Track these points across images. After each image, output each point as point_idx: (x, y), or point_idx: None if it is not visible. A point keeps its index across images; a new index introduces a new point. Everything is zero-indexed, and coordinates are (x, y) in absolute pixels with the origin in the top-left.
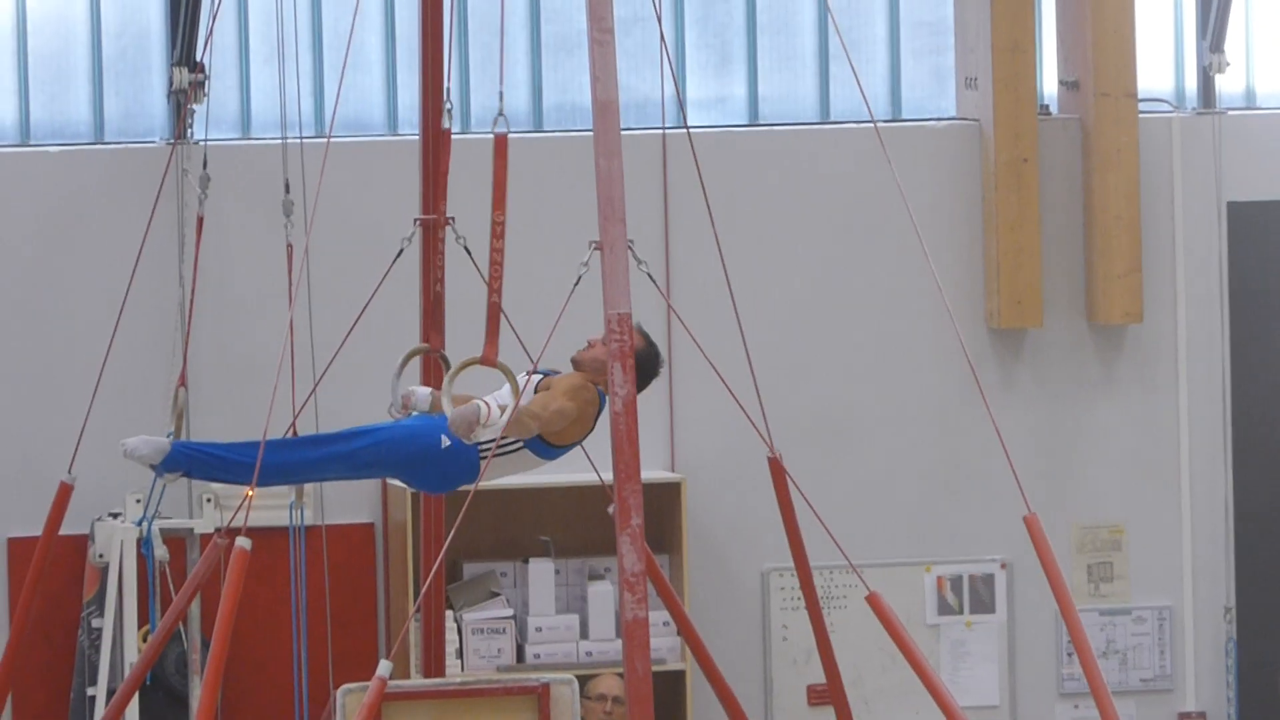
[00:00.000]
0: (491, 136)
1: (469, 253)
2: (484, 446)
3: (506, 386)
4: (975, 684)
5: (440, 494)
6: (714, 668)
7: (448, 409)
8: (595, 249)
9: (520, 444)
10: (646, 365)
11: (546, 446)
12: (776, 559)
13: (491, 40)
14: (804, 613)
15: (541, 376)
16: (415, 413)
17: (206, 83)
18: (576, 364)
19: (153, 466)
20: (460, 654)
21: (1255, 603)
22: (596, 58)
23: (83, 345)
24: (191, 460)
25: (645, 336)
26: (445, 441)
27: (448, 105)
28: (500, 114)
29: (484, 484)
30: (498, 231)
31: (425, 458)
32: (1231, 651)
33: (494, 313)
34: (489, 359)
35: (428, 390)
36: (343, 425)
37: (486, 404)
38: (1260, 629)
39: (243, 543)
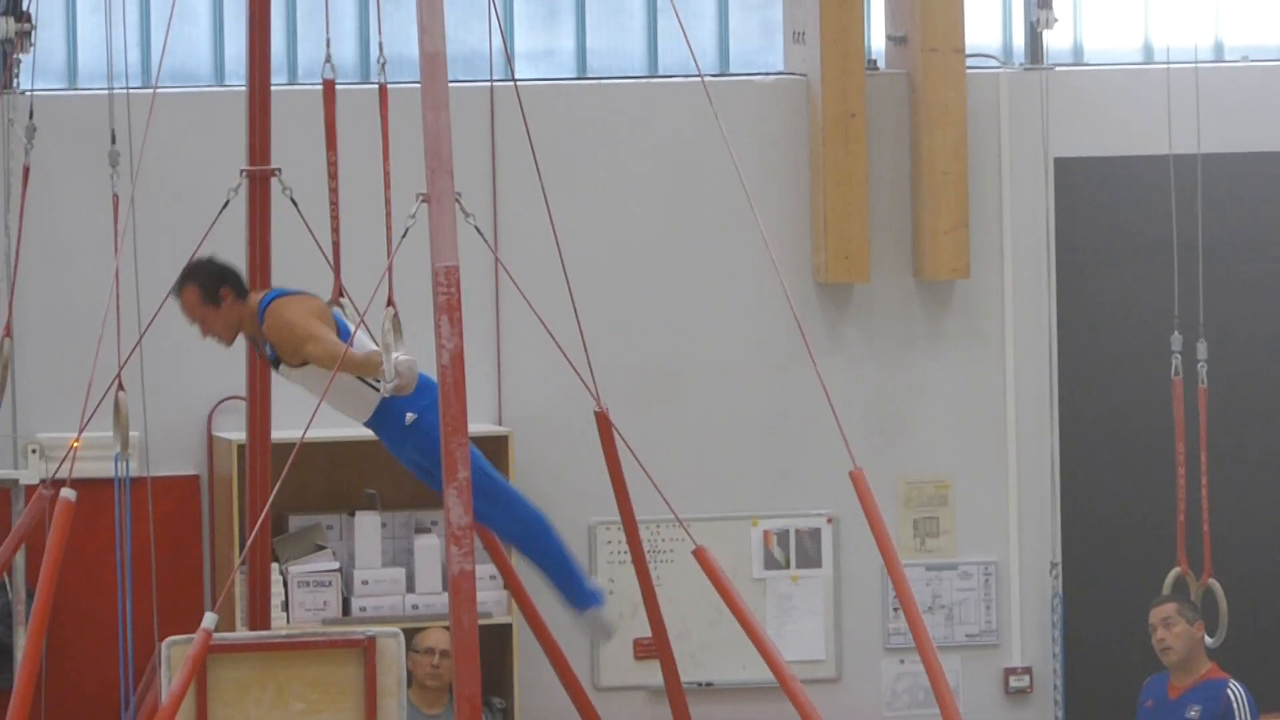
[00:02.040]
0: (318, 87)
1: (295, 204)
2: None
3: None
4: (801, 638)
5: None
6: (540, 621)
7: (390, 371)
8: (422, 201)
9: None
10: (205, 276)
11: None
12: (603, 512)
13: None
14: (631, 566)
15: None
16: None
17: (33, 32)
18: (226, 341)
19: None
20: (286, 607)
21: (1081, 558)
22: (424, 9)
23: None
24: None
25: (176, 286)
26: (410, 417)
27: (328, 60)
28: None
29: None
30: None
31: (404, 440)
32: (1057, 607)
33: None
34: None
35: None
36: (167, 374)
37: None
38: (1085, 584)
39: (68, 494)
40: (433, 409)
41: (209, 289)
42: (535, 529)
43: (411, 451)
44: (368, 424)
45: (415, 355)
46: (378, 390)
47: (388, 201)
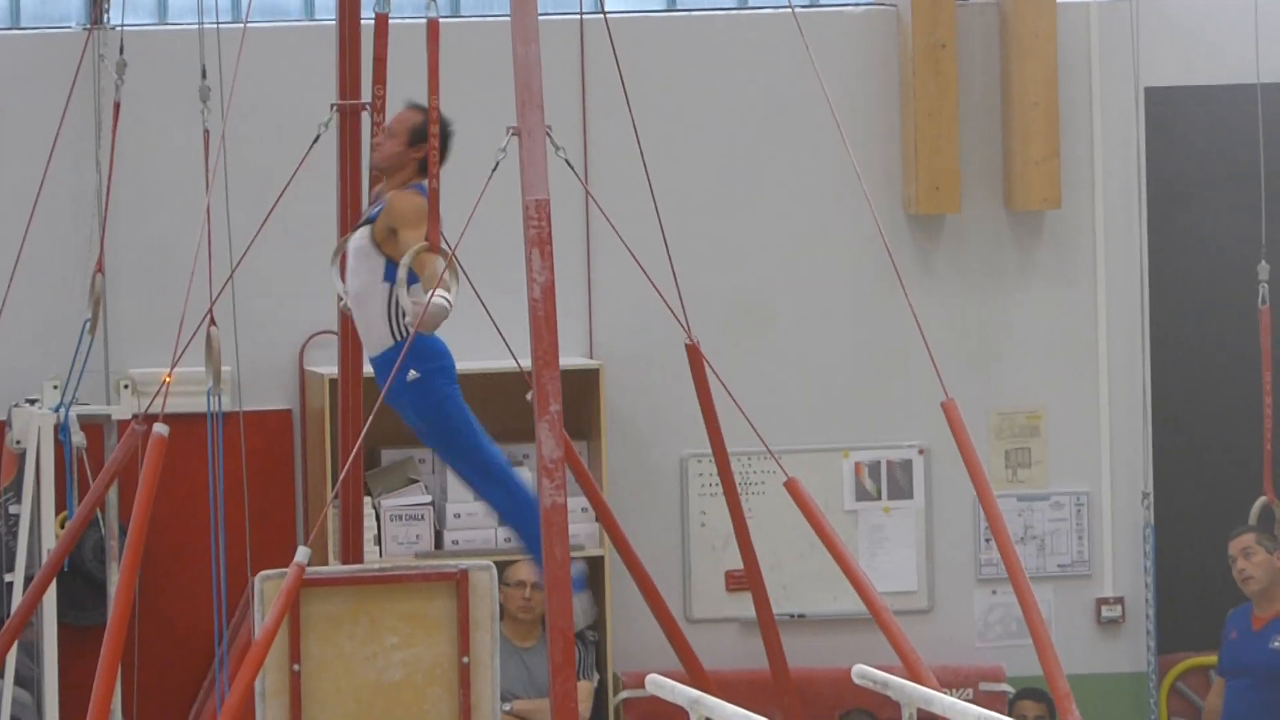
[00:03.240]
0: (407, 22)
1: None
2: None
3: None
4: (893, 570)
5: (430, 426)
6: (632, 554)
7: (407, 304)
8: (513, 135)
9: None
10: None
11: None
12: (695, 445)
13: None
14: (722, 499)
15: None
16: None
17: None
18: (379, 168)
19: None
20: (378, 540)
21: (1172, 488)
22: None
23: None
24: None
25: (420, 107)
26: (412, 374)
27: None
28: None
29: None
30: (434, 117)
31: (401, 394)
32: (1149, 537)
33: (433, 199)
34: (434, 245)
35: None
36: (259, 309)
37: (446, 298)
38: (1177, 514)
39: (160, 429)
40: (437, 376)
41: (419, 136)
42: (514, 504)
43: (406, 408)
44: (372, 360)
45: (460, 298)
46: (402, 335)
47: (431, 136)
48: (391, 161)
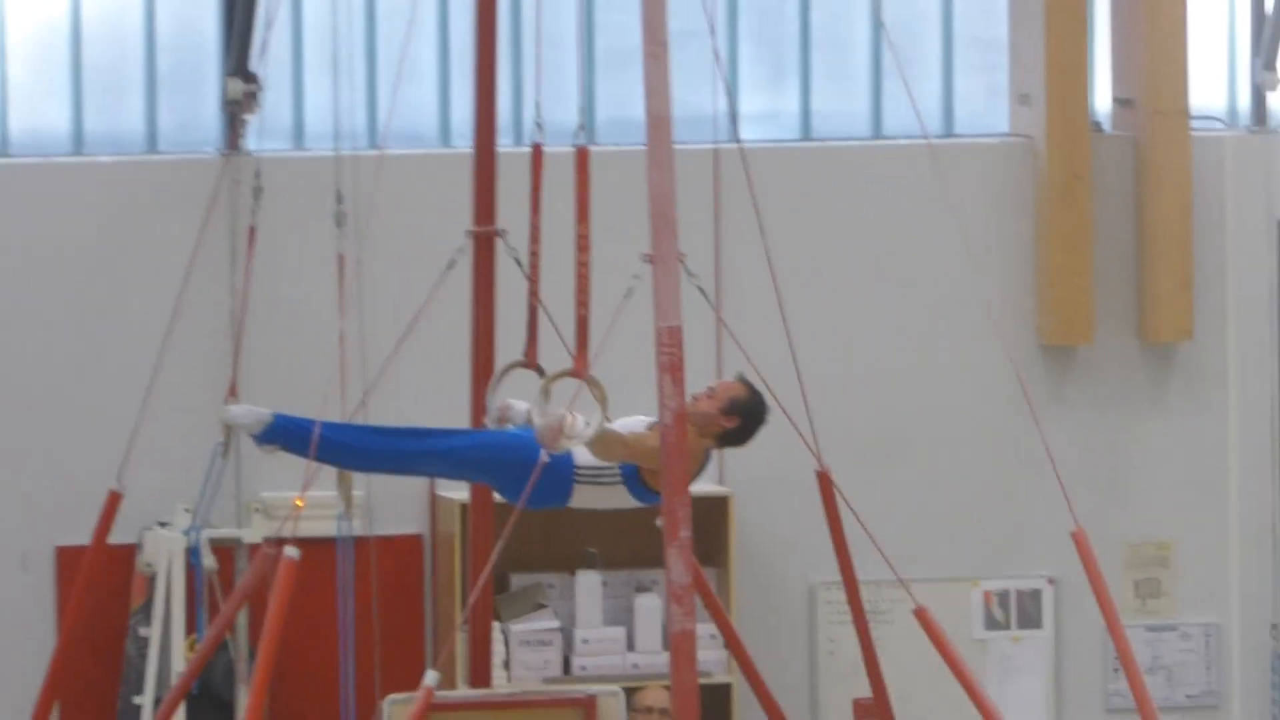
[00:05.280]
0: (547, 150)
1: (520, 264)
2: (582, 472)
3: (627, 419)
4: (1022, 699)
5: (529, 509)
6: (760, 681)
7: (536, 419)
8: (646, 262)
9: (618, 478)
10: (752, 414)
11: (644, 489)
12: (824, 573)
13: (543, 53)
14: (851, 627)
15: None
16: (511, 426)
17: (260, 93)
18: (690, 419)
19: (254, 437)
20: (507, 665)
21: None
22: (650, 71)
23: (134, 355)
24: (289, 435)
25: (748, 385)
26: (545, 456)
27: (538, 120)
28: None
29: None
30: (582, 245)
31: (523, 468)
32: (1278, 668)
33: (582, 326)
34: (578, 371)
35: (526, 405)
36: None
37: (573, 415)
38: None
39: (291, 552)
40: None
41: (735, 409)
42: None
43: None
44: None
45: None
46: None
47: (581, 265)
48: (703, 420)
